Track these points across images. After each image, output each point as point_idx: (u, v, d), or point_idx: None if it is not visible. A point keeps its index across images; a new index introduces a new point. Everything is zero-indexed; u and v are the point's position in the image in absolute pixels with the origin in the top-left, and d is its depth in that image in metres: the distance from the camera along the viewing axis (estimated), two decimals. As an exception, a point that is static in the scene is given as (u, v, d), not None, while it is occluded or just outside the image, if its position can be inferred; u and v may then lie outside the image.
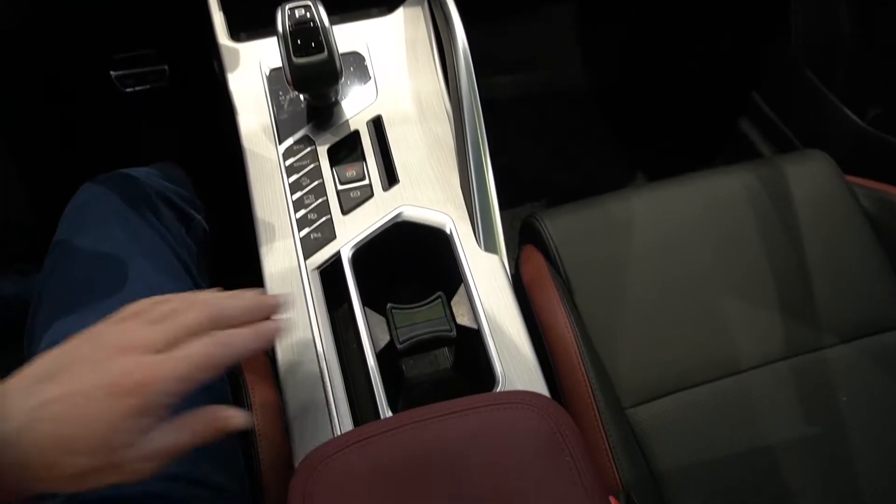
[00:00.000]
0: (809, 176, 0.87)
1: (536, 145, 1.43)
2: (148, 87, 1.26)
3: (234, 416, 0.45)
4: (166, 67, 1.25)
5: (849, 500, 0.70)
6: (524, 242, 0.86)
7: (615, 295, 0.78)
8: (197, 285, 0.75)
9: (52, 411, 0.39)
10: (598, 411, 0.68)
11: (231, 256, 0.98)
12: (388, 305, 0.61)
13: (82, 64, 1.22)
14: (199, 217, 0.83)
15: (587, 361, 0.70)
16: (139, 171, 0.80)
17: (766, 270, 0.80)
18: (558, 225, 0.82)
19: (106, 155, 1.30)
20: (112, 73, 1.23)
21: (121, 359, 0.41)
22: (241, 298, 0.48)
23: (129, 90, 1.25)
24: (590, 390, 0.69)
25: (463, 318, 0.60)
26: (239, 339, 0.45)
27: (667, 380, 0.74)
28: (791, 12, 1.15)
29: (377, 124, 0.74)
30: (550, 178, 1.40)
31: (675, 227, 0.83)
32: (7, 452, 0.37)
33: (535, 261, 0.79)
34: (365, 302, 0.61)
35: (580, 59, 1.54)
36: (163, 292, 0.64)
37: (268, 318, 0.48)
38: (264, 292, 0.54)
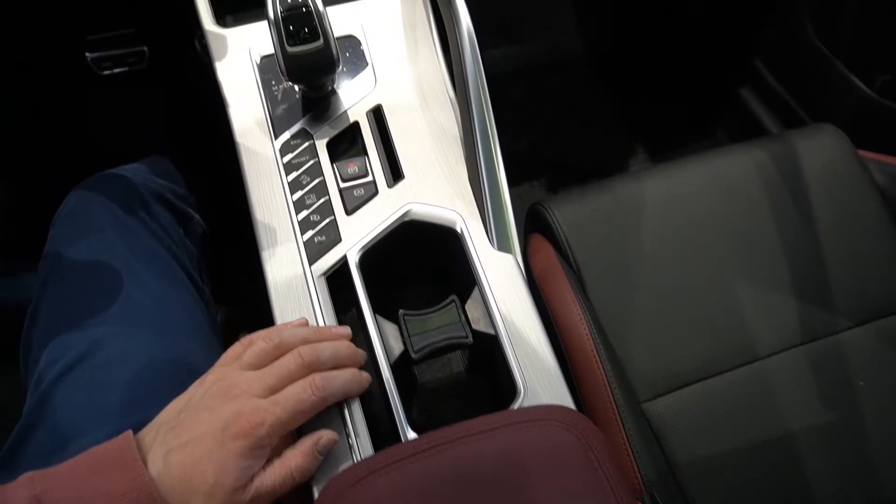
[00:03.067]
0: (821, 152, 0.85)
1: (531, 120, 1.39)
2: (126, 69, 1.20)
3: (325, 437, 0.49)
4: (146, 48, 1.19)
5: (868, 486, 0.69)
6: (531, 231, 0.83)
7: (628, 284, 0.76)
8: (199, 291, 0.72)
9: (176, 458, 0.44)
10: (617, 408, 0.66)
11: (229, 250, 0.94)
12: (400, 312, 0.58)
13: (54, 46, 1.16)
14: (198, 216, 0.79)
15: (603, 357, 0.68)
16: (129, 170, 0.76)
17: (780, 253, 0.78)
18: (567, 213, 0.79)
19: (85, 144, 1.25)
20: (88, 55, 1.17)
21: (229, 405, 0.46)
22: (332, 343, 0.52)
23: (106, 73, 1.20)
24: (607, 386, 0.67)
25: (478, 323, 0.58)
26: (337, 383, 0.50)
27: (683, 371, 0.72)
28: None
29: (377, 114, 0.70)
30: (548, 155, 1.36)
31: (687, 210, 0.80)
32: (152, 496, 0.42)
33: (544, 252, 0.76)
34: (375, 308, 0.58)
35: (572, 27, 1.49)
36: (165, 300, 0.61)
37: (357, 364, 0.53)
38: (348, 332, 0.56)
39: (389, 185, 0.65)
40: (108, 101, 1.24)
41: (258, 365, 0.49)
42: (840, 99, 1.10)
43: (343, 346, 0.53)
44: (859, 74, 1.07)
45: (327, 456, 0.50)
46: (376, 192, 0.64)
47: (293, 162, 0.66)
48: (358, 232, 0.62)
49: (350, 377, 0.51)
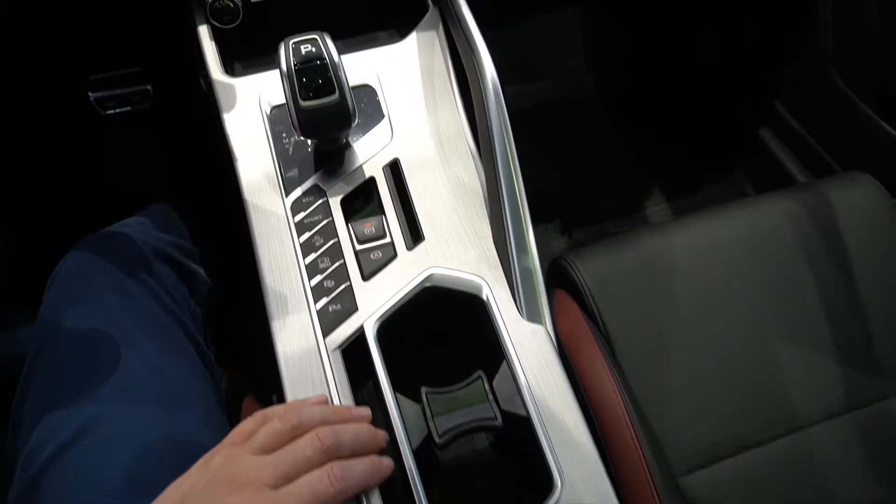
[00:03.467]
0: (857, 203, 0.81)
1: (547, 159, 1.35)
2: (129, 108, 1.17)
3: None
4: (149, 87, 1.16)
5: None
6: (553, 286, 0.79)
7: (659, 347, 0.71)
8: (203, 356, 0.67)
9: None
10: (654, 485, 0.61)
11: (235, 307, 0.90)
12: (423, 390, 0.53)
13: (56, 85, 1.13)
14: (203, 273, 0.75)
15: (639, 431, 0.63)
16: (130, 226, 0.72)
17: (820, 312, 0.74)
18: (592, 269, 0.75)
19: (88, 187, 1.22)
20: (90, 94, 1.14)
21: (235, 496, 0.41)
22: (353, 426, 0.47)
23: (109, 112, 1.16)
24: (643, 461, 0.62)
25: (508, 403, 0.53)
26: (357, 475, 0.45)
27: (720, 441, 0.68)
28: (820, 4, 1.06)
29: (395, 169, 0.66)
30: (564, 196, 1.33)
31: (719, 266, 0.76)
32: None
33: (570, 312, 0.72)
34: (394, 381, 0.54)
35: (586, 65, 1.47)
36: (167, 372, 0.57)
37: (378, 449, 0.48)
38: (368, 414, 0.51)
39: (409, 248, 0.60)
40: (110, 143, 1.20)
41: (271, 448, 0.44)
42: (866, 142, 1.06)
43: (364, 429, 0.48)
44: (885, 117, 1.04)
45: None
46: (395, 256, 0.60)
47: (305, 221, 0.62)
48: (376, 300, 0.57)
49: (370, 467, 0.46)
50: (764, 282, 0.76)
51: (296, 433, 0.45)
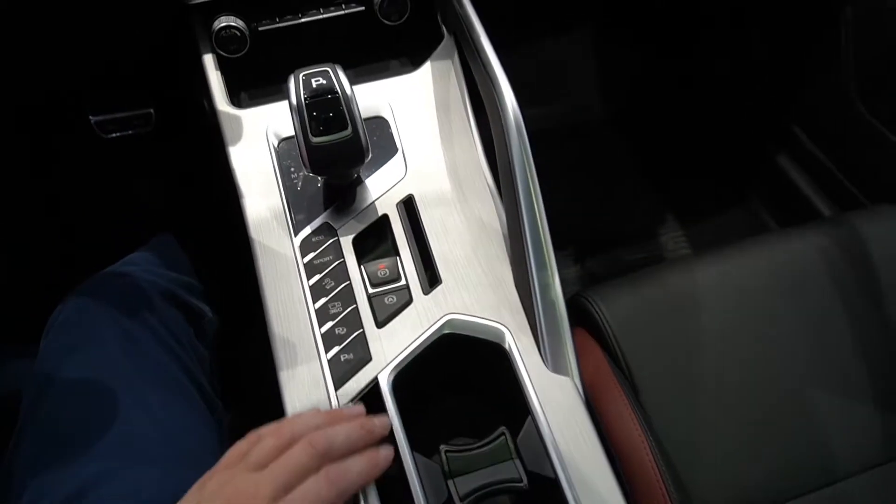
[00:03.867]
0: (888, 237, 0.78)
1: (557, 185, 1.32)
2: (131, 132, 1.14)
3: None
4: (152, 111, 1.13)
5: None
6: (572, 325, 0.75)
7: (688, 392, 0.67)
8: (208, 402, 0.63)
9: None
10: (686, 548, 0.57)
11: (240, 338, 0.86)
12: (442, 448, 0.50)
13: (57, 109, 1.10)
14: (209, 312, 0.72)
15: (670, 485, 0.59)
16: (134, 263, 0.68)
17: (856, 356, 0.70)
18: (614, 308, 0.71)
19: (86, 210, 1.19)
20: (91, 118, 1.11)
21: None
22: (344, 426, 0.46)
23: (111, 136, 1.14)
24: (674, 520, 0.58)
25: (534, 463, 0.49)
26: (353, 474, 0.44)
27: (754, 495, 0.64)
28: (842, 24, 1.03)
29: (409, 206, 0.62)
30: (575, 222, 1.29)
31: (748, 304, 0.72)
32: None
33: (592, 354, 0.68)
34: (410, 438, 0.50)
35: (597, 89, 1.44)
36: (170, 426, 0.54)
37: (373, 442, 0.47)
38: (362, 410, 0.49)
39: (425, 292, 0.57)
40: (111, 168, 1.17)
41: (266, 464, 0.43)
42: (891, 170, 1.03)
43: (356, 427, 0.47)
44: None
45: None
46: (410, 300, 0.56)
47: (315, 262, 0.59)
48: (391, 349, 0.54)
49: (367, 462, 0.46)
50: (796, 322, 0.72)
51: (290, 446, 0.44)
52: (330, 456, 0.44)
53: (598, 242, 1.26)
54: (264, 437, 0.45)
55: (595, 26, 1.40)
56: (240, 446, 0.45)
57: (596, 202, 1.32)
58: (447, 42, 0.72)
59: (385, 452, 0.47)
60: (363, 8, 0.73)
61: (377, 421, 0.48)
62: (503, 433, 0.50)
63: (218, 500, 0.41)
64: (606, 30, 1.41)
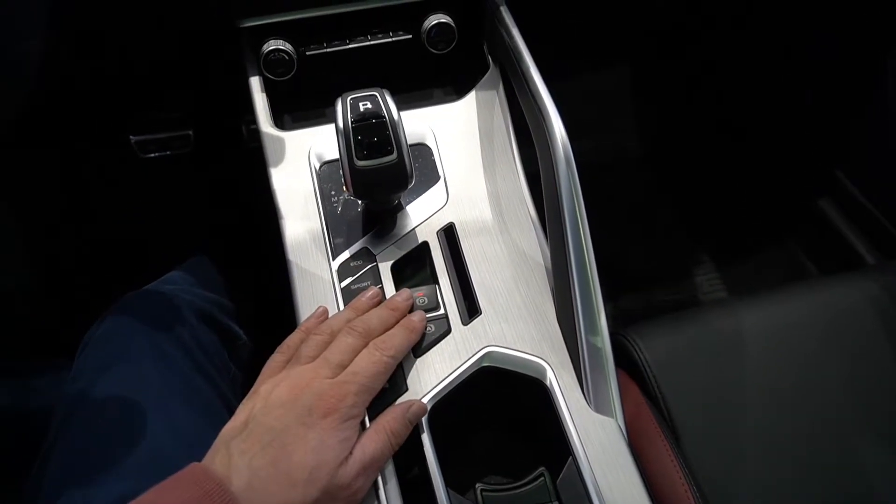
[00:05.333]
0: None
1: (591, 221, 1.31)
2: (168, 153, 1.16)
3: (415, 406, 0.48)
4: (191, 132, 1.14)
5: None
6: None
7: (730, 440, 0.65)
8: None
9: (264, 460, 0.41)
10: None
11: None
12: (478, 486, 0.48)
13: (99, 129, 1.12)
14: (243, 335, 0.71)
15: (712, 538, 0.56)
16: (172, 282, 0.68)
17: (903, 405, 0.67)
18: (654, 348, 0.69)
19: (123, 229, 1.20)
20: (132, 138, 1.12)
21: (304, 392, 0.44)
22: (375, 311, 0.52)
23: (149, 156, 1.15)
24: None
25: (575, 508, 0.47)
26: (398, 339, 0.50)
27: (801, 552, 0.60)
28: (888, 69, 1.01)
29: (449, 234, 0.61)
30: (608, 259, 1.27)
31: (794, 349, 0.70)
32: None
33: (631, 396, 0.66)
34: (445, 474, 0.48)
35: (634, 125, 1.43)
36: (199, 446, 0.53)
37: (403, 314, 0.53)
38: (378, 293, 0.56)
39: (464, 322, 0.55)
40: (149, 188, 1.19)
41: (316, 357, 0.48)
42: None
43: (384, 310, 0.53)
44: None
45: None
46: (449, 330, 0.55)
47: (353, 287, 0.58)
48: (428, 379, 0.52)
49: (406, 329, 0.51)
50: (840, 369, 0.69)
51: (332, 338, 0.50)
52: (371, 335, 0.49)
53: (631, 279, 1.24)
54: (310, 336, 0.49)
55: (634, 63, 1.39)
56: (278, 357, 0.50)
57: (629, 238, 1.30)
58: (493, 72, 0.72)
59: (418, 317, 0.53)
60: (410, 36, 0.73)
61: (398, 298, 0.54)
62: (542, 474, 0.49)
63: (282, 391, 0.44)
64: (646, 66, 1.40)
